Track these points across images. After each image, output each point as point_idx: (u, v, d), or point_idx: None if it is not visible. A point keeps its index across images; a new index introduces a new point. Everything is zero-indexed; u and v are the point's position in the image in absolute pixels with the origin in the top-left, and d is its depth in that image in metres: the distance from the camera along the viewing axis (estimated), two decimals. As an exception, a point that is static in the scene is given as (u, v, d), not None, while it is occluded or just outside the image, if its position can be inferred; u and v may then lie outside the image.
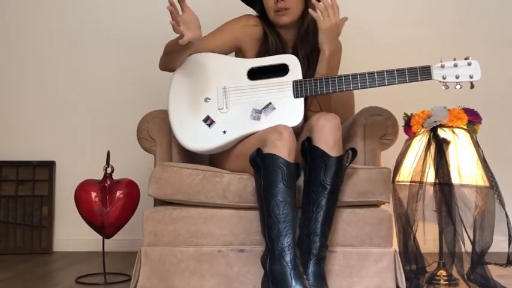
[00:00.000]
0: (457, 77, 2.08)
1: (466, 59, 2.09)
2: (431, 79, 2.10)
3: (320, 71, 2.23)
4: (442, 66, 2.09)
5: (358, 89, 2.14)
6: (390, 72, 2.11)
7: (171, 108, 2.24)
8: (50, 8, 3.24)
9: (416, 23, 3.18)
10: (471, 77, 2.08)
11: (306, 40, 2.34)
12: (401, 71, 2.10)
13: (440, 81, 2.10)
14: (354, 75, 2.13)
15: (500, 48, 3.18)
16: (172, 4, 2.00)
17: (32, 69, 3.24)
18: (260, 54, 2.33)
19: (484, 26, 3.18)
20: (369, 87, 2.13)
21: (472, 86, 2.09)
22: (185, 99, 2.24)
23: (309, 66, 2.31)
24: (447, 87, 2.11)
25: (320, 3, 2.14)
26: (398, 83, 2.11)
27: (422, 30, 3.16)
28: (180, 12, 2.05)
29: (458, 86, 2.09)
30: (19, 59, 3.24)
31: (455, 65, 2.08)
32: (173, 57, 2.24)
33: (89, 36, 3.23)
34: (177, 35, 2.06)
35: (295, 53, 2.32)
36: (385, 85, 2.12)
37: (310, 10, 2.16)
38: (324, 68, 2.22)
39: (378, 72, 2.12)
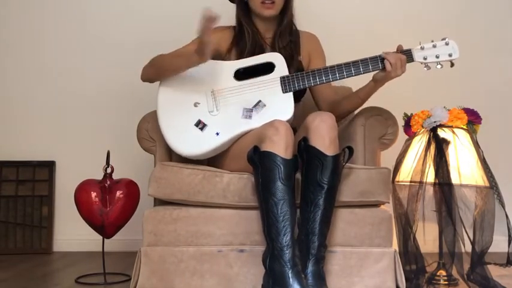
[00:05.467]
0: (437, 57, 2.16)
1: (443, 39, 2.16)
2: (413, 61, 2.17)
3: (362, 96, 2.28)
4: (422, 48, 2.16)
5: (345, 77, 2.20)
6: (373, 58, 2.18)
7: (160, 117, 2.24)
8: (51, 8, 3.24)
9: (413, 22, 3.19)
10: (450, 55, 2.16)
11: (284, 34, 2.39)
12: (383, 57, 2.16)
13: (422, 63, 2.18)
14: (339, 66, 2.20)
15: (501, 48, 3.17)
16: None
17: (32, 70, 3.24)
18: (240, 49, 2.35)
19: (484, 26, 3.18)
20: (355, 75, 2.19)
21: (452, 65, 2.18)
22: (174, 106, 2.24)
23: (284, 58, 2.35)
24: (429, 68, 2.19)
25: (392, 54, 2.15)
26: (382, 68, 2.17)
27: (418, 31, 3.16)
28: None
29: (439, 66, 2.18)
30: (19, 59, 3.24)
31: (434, 46, 2.17)
32: (169, 73, 2.25)
33: (89, 37, 3.23)
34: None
35: (272, 45, 2.38)
36: (370, 71, 2.19)
37: (383, 58, 2.16)
38: (367, 95, 2.28)
39: (361, 60, 2.19)
